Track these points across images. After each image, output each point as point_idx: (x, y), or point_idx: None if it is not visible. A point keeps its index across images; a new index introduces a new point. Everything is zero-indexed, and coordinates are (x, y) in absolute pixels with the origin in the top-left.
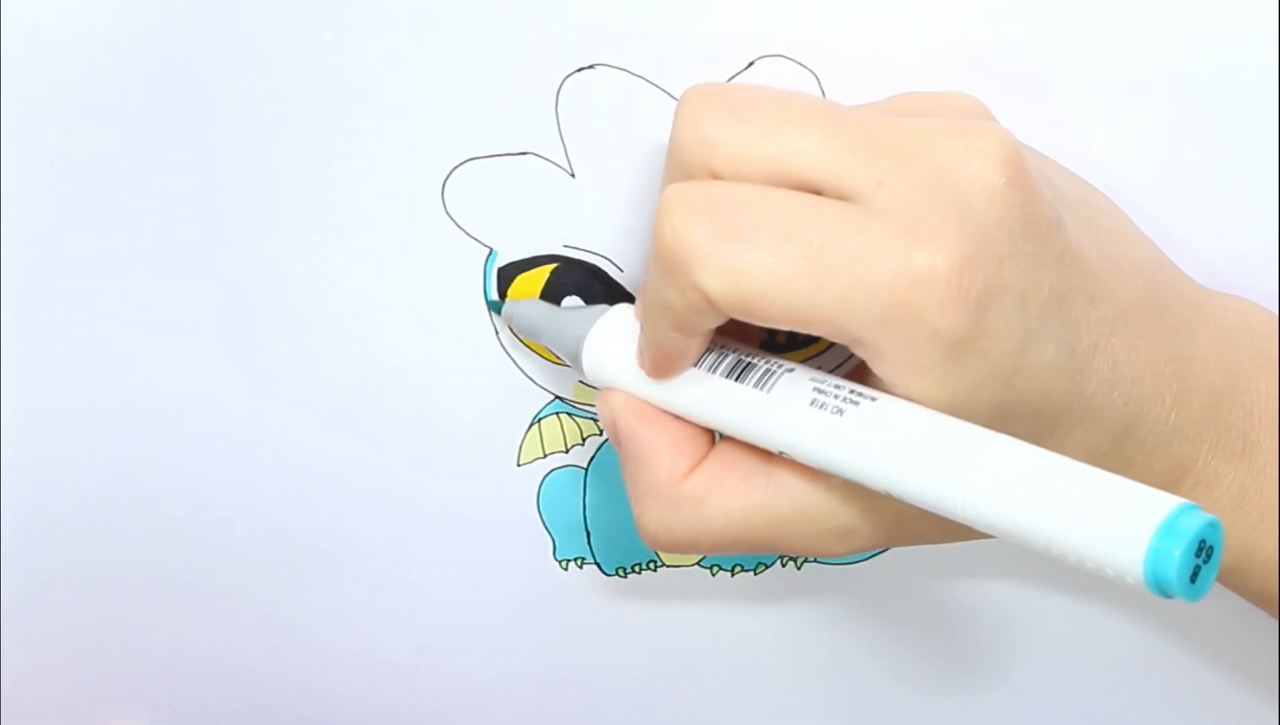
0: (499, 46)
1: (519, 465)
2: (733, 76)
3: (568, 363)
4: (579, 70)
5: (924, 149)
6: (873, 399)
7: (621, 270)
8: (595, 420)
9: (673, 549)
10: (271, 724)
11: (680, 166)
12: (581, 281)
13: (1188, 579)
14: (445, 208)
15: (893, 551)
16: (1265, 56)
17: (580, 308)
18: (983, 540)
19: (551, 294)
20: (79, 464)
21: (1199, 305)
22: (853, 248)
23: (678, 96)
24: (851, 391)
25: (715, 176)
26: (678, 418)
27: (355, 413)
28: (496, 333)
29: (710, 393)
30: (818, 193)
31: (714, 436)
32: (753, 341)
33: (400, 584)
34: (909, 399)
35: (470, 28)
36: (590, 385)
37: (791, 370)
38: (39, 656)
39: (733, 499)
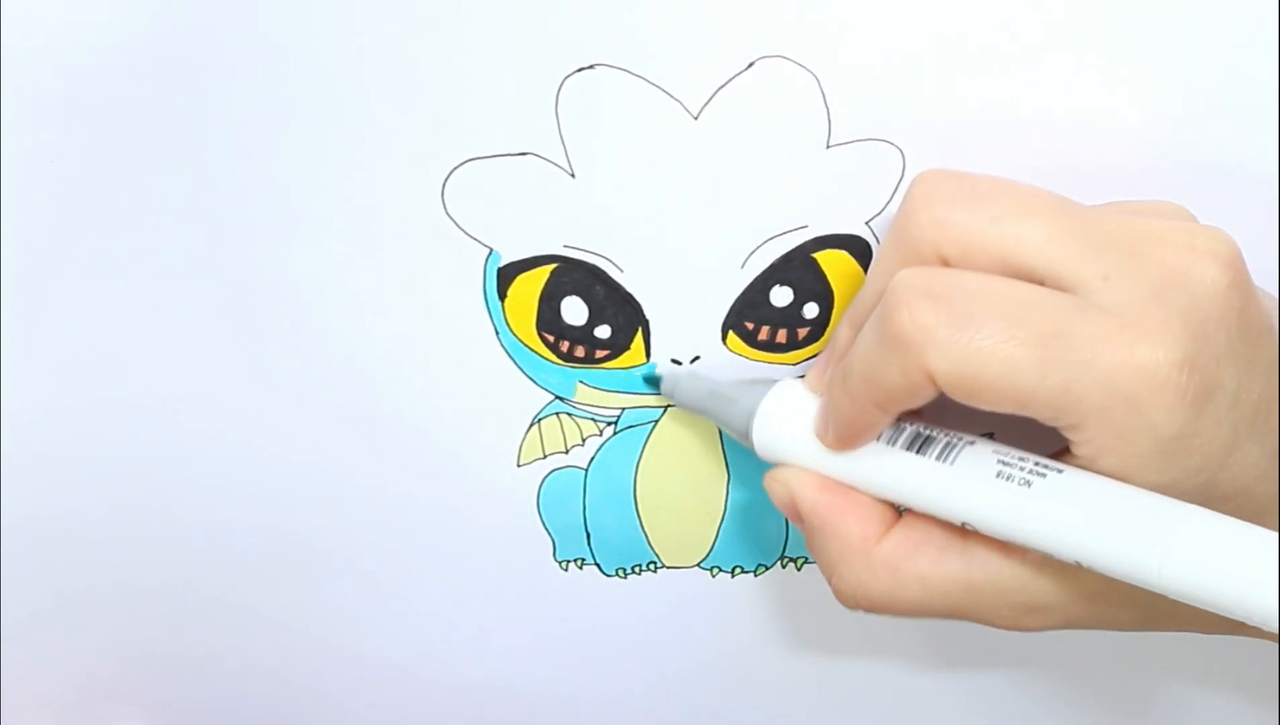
0: (499, 46)
1: (519, 466)
2: (733, 77)
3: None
4: (579, 70)
5: (1150, 247)
6: (1059, 471)
7: (622, 270)
8: (595, 421)
9: (870, 609)
10: (271, 724)
11: (909, 243)
12: (581, 281)
13: None
14: (445, 208)
15: None
16: (1265, 56)
17: (744, 382)
18: None
19: (551, 294)
20: (78, 464)
21: None
22: (1079, 338)
23: (678, 96)
24: (1037, 463)
25: (944, 258)
26: (857, 489)
27: (355, 413)
28: (496, 333)
29: (892, 466)
30: (1041, 283)
31: (895, 507)
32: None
33: (400, 584)
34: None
35: (471, 28)
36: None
37: (972, 443)
38: (39, 656)
39: (929, 568)
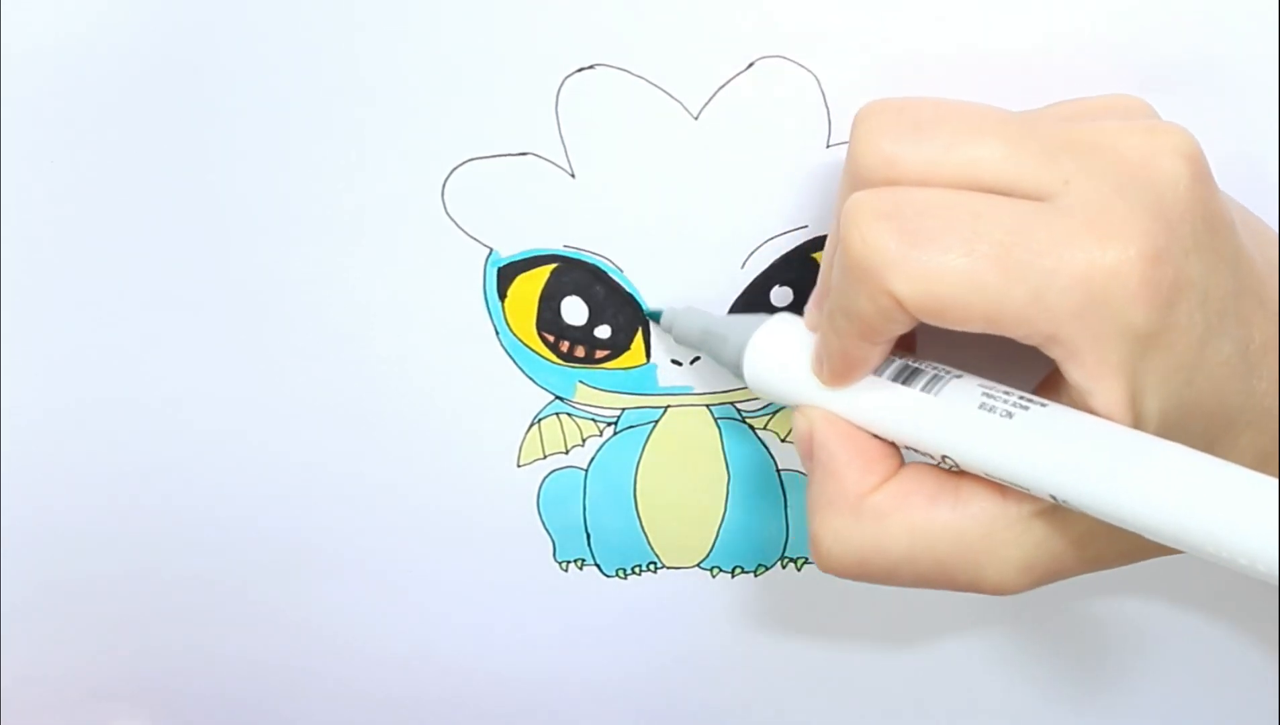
0: (499, 46)
1: (519, 466)
2: (733, 77)
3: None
4: (579, 70)
5: (1109, 146)
6: (1043, 405)
7: (622, 270)
8: (595, 421)
9: (845, 566)
10: (271, 723)
11: (860, 184)
12: (581, 281)
13: None
14: (445, 208)
15: None
16: (1265, 56)
17: (740, 317)
18: None
19: (551, 294)
20: (77, 464)
21: None
22: (1044, 244)
23: (678, 96)
24: (1021, 397)
25: None
26: (871, 435)
27: (354, 412)
28: (496, 333)
29: (877, 397)
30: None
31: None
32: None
33: (400, 584)
34: (1096, 399)
35: (470, 28)
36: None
37: (959, 376)
38: (39, 656)
39: (918, 516)
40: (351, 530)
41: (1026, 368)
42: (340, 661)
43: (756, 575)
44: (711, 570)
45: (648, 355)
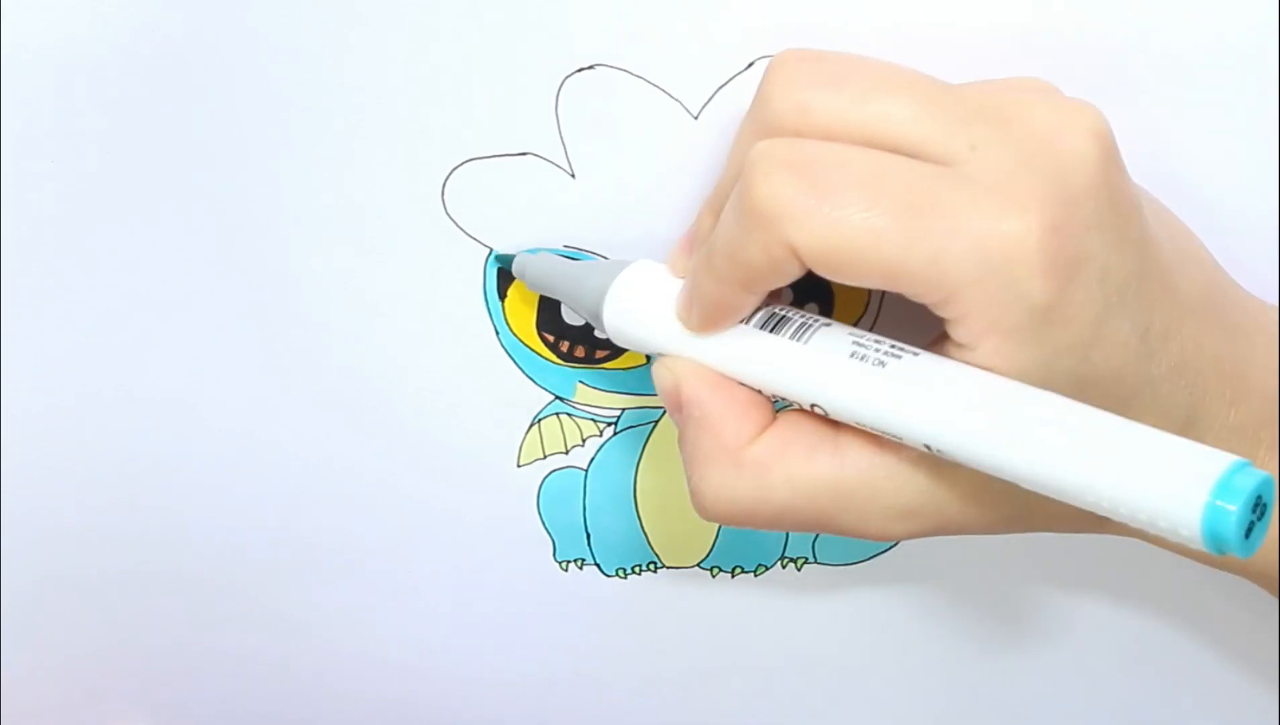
0: (499, 46)
1: (519, 466)
2: (733, 77)
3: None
4: (579, 70)
5: (1017, 117)
6: (915, 354)
7: None
8: (595, 421)
9: (730, 517)
10: (271, 723)
11: (768, 130)
12: None
13: (1243, 535)
14: (445, 208)
15: (894, 552)
16: (1265, 56)
17: (598, 262)
18: (983, 541)
19: None
20: (77, 462)
21: (1252, 311)
22: (946, 207)
23: (678, 96)
24: (893, 346)
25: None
26: (742, 385)
27: (354, 412)
28: (496, 333)
29: (745, 346)
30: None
31: (775, 408)
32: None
33: (400, 584)
34: (986, 365)
35: (470, 28)
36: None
37: (828, 324)
38: (39, 656)
39: (797, 468)
40: (351, 530)
41: (913, 329)
42: (340, 661)
43: (756, 575)
44: (711, 570)
45: (648, 356)
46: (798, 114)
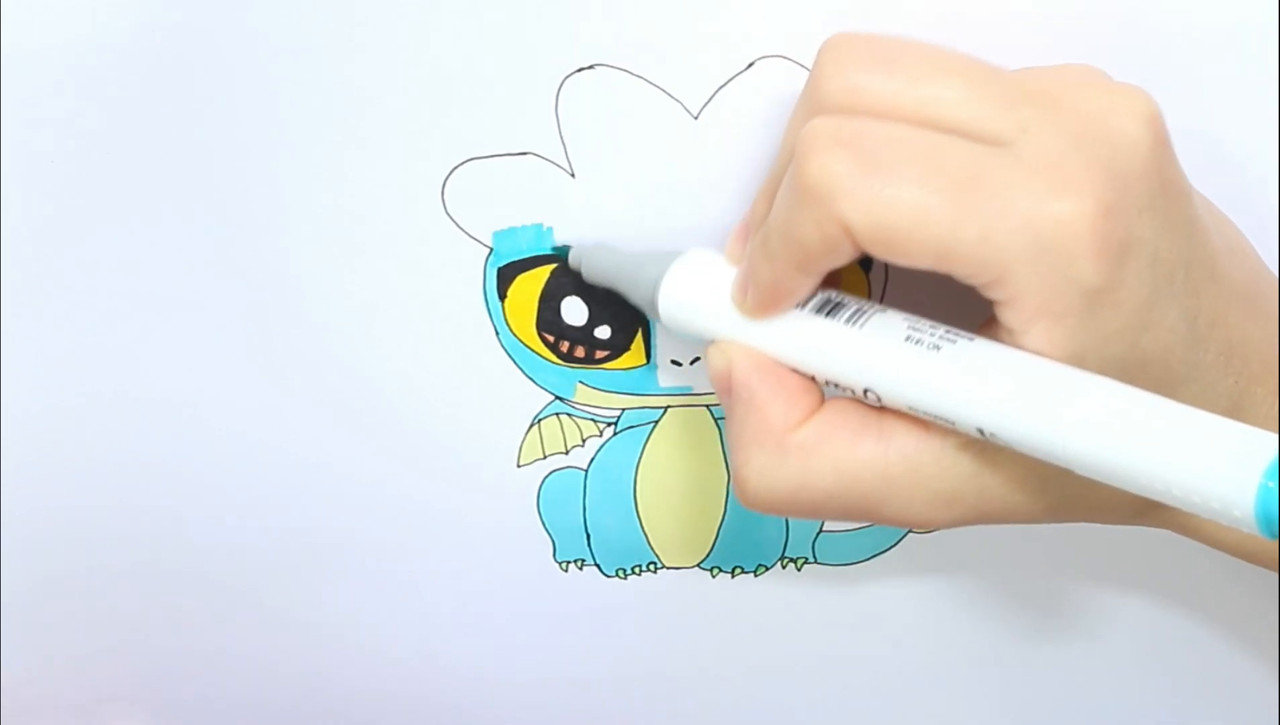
0: (499, 46)
1: (519, 466)
2: (733, 77)
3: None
4: (579, 70)
5: (1070, 99)
6: (970, 339)
7: None
8: (595, 421)
9: (772, 503)
10: (271, 723)
11: (820, 111)
12: (582, 282)
13: None
14: (445, 208)
15: (894, 553)
16: (1265, 56)
17: (653, 252)
18: (986, 542)
19: (551, 294)
20: (78, 462)
21: None
22: (998, 186)
23: (678, 96)
24: (948, 331)
25: None
26: (791, 370)
27: (354, 413)
28: (496, 333)
29: (800, 331)
30: None
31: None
32: None
33: (400, 585)
34: (1029, 340)
35: (470, 28)
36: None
37: (883, 310)
38: (39, 656)
39: (843, 452)
40: (351, 530)
41: (965, 320)
42: (340, 661)
43: (756, 575)
44: (711, 570)
45: (648, 356)
46: (849, 96)
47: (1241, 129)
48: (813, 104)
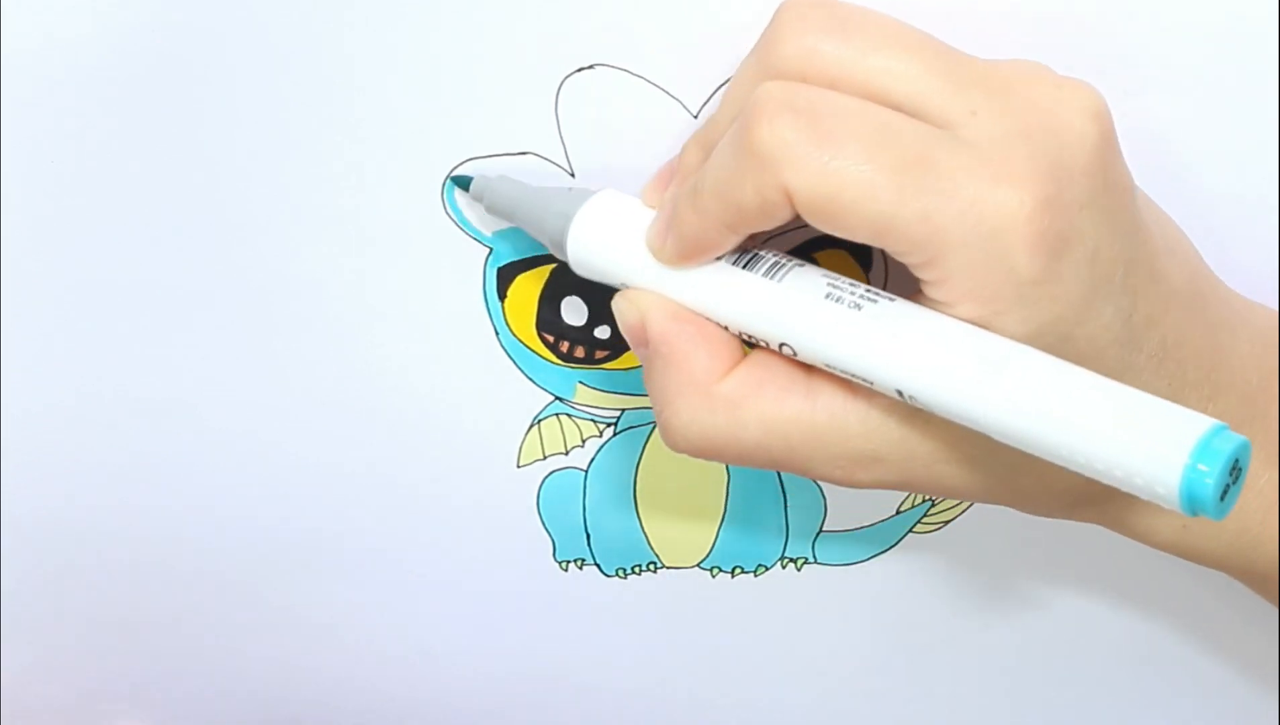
0: (499, 46)
1: (519, 467)
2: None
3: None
4: (579, 70)
5: (1020, 89)
6: (890, 299)
7: None
8: (595, 421)
9: (700, 450)
10: (271, 723)
11: (772, 72)
12: (582, 281)
13: (1219, 498)
14: (445, 208)
15: (894, 553)
16: (1265, 56)
17: (561, 189)
18: (984, 543)
19: (551, 294)
20: (78, 462)
21: (1236, 308)
22: (942, 168)
23: (678, 96)
24: (869, 290)
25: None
26: (709, 320)
27: (354, 413)
28: (496, 333)
29: (717, 281)
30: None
31: (745, 347)
32: None
33: (400, 584)
34: (955, 312)
35: (470, 28)
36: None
37: (802, 265)
38: (39, 656)
39: (770, 407)
40: (352, 530)
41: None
42: (340, 661)
43: (756, 575)
44: (711, 570)
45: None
46: (803, 59)
47: (1203, 130)
48: (765, 63)
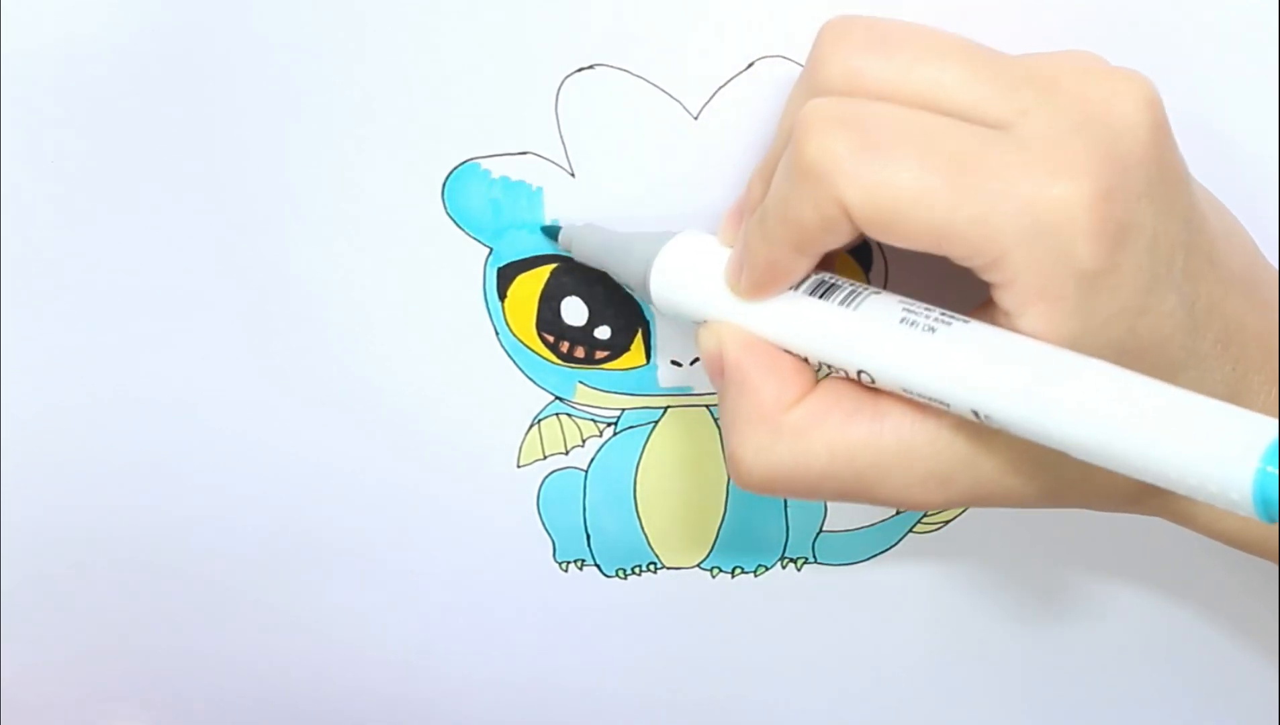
0: (499, 46)
1: (519, 467)
2: (733, 77)
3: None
4: (579, 70)
5: (1069, 84)
6: (965, 322)
7: None
8: (595, 421)
9: (767, 484)
10: (271, 723)
11: (818, 94)
12: (581, 282)
13: None
14: (445, 208)
15: (894, 553)
16: (1265, 56)
17: (645, 232)
18: (985, 540)
19: (551, 294)
20: (78, 462)
21: None
22: (996, 168)
23: (678, 96)
24: (943, 314)
25: None
26: (786, 352)
27: (355, 413)
28: (496, 333)
29: (793, 311)
30: None
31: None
32: None
33: (400, 585)
34: (1025, 322)
35: (470, 28)
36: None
37: (878, 292)
38: (39, 656)
39: (836, 433)
40: (352, 530)
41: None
42: (341, 661)
43: (756, 575)
44: (711, 570)
45: (648, 356)
46: (849, 79)
47: (1243, 120)
48: (811, 86)
